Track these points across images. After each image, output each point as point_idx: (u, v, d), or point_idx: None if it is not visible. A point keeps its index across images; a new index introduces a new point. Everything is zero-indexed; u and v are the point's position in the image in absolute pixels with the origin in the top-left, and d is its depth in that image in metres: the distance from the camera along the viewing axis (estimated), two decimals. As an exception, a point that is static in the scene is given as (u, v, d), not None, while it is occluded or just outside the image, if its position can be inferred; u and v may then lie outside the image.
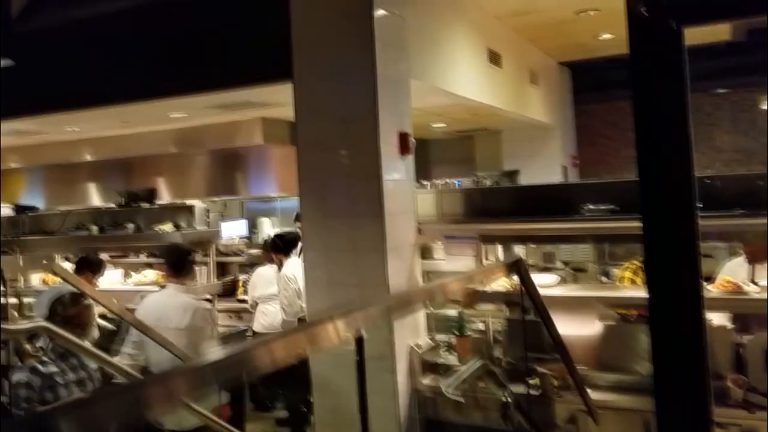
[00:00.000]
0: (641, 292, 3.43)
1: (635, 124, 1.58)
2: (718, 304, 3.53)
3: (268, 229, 8.74)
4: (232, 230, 8.21)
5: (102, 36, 5.83)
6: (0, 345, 3.71)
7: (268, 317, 5.79)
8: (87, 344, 3.37)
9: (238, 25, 5.26)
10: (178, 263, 4.27)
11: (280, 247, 5.67)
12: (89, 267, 5.33)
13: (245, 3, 5.21)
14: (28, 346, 4.60)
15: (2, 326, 2.95)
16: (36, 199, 9.25)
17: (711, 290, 3.52)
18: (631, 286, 4.00)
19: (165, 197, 8.26)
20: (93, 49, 5.88)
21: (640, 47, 1.64)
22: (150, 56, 5.68)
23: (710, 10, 1.61)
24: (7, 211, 7.18)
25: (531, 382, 3.69)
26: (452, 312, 4.36)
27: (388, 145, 3.97)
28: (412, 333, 4.08)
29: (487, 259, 4.34)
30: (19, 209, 7.13)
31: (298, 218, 7.56)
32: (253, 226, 8.84)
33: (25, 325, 3.27)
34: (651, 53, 1.63)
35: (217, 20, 5.39)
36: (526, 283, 2.62)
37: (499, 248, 4.54)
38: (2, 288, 5.23)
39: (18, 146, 8.79)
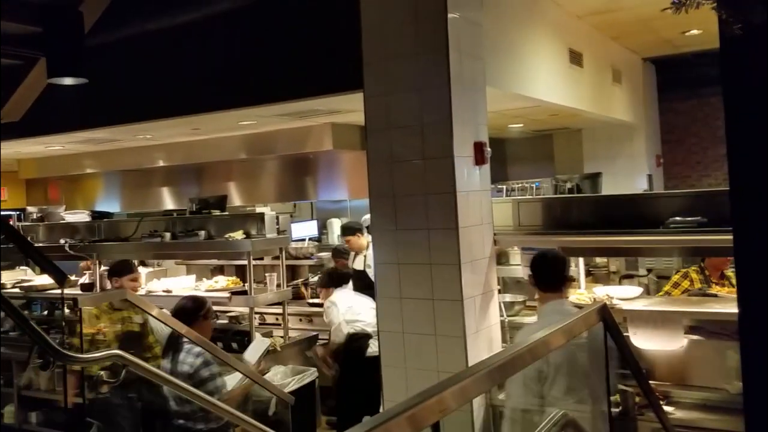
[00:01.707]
0: (731, 308, 3.38)
1: (727, 134, 1.57)
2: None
3: (338, 229, 8.95)
4: (303, 232, 8.43)
5: (173, 48, 6.16)
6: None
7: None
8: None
9: (307, 35, 5.44)
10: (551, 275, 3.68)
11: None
12: (117, 273, 5.53)
13: (315, 13, 5.38)
14: (102, 373, 4.91)
15: (77, 356, 3.16)
16: (112, 204, 9.82)
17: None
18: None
19: (236, 201, 8.60)
20: (164, 62, 6.22)
21: (734, 66, 1.63)
22: (219, 68, 5.96)
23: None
24: (84, 216, 7.62)
25: (611, 399, 3.68)
26: (530, 319, 4.39)
27: (463, 155, 4.02)
28: (486, 343, 4.13)
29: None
30: (95, 215, 7.56)
31: (367, 230, 7.79)
32: (323, 227, 9.06)
33: (98, 354, 3.52)
34: (745, 72, 1.62)
35: (287, 31, 5.58)
36: (612, 331, 2.64)
37: (580, 259, 4.53)
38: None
39: (94, 152, 9.33)
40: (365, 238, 6.82)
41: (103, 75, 6.15)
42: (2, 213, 8.54)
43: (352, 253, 7.09)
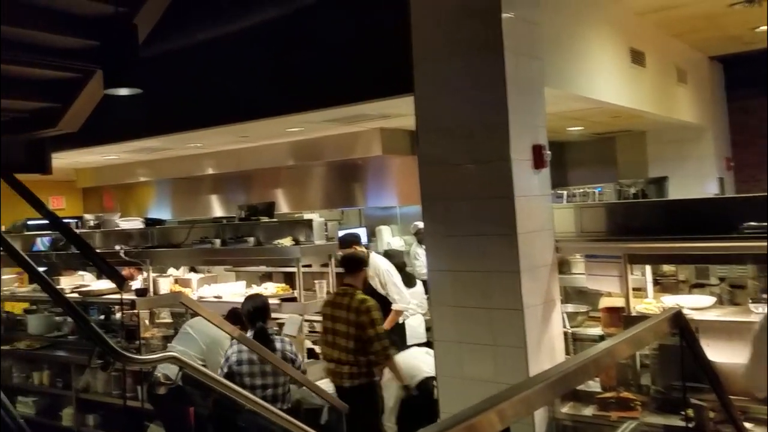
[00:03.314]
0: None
1: None
2: None
3: (388, 237, 8.93)
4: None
5: (221, 57, 6.28)
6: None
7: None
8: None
9: (355, 38, 5.45)
10: None
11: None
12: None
13: (362, 16, 5.38)
14: (159, 375, 5.05)
15: (135, 357, 3.24)
16: (163, 211, 10.08)
17: None
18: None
19: (283, 208, 8.68)
20: (213, 70, 6.36)
21: None
22: (268, 75, 6.04)
23: None
24: (137, 223, 7.85)
25: (684, 413, 3.56)
26: (593, 331, 4.28)
27: (521, 159, 3.95)
28: (548, 354, 4.03)
29: (632, 274, 4.21)
30: (148, 222, 7.78)
31: (418, 237, 7.74)
32: (372, 234, 9.05)
33: (156, 356, 3.61)
34: None
35: (334, 35, 5.61)
36: (688, 340, 2.53)
37: (647, 267, 4.39)
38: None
39: (146, 161, 9.60)
40: (362, 251, 6.67)
41: (154, 85, 6.31)
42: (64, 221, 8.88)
43: None
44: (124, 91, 4.28)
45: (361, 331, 4.85)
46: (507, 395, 1.56)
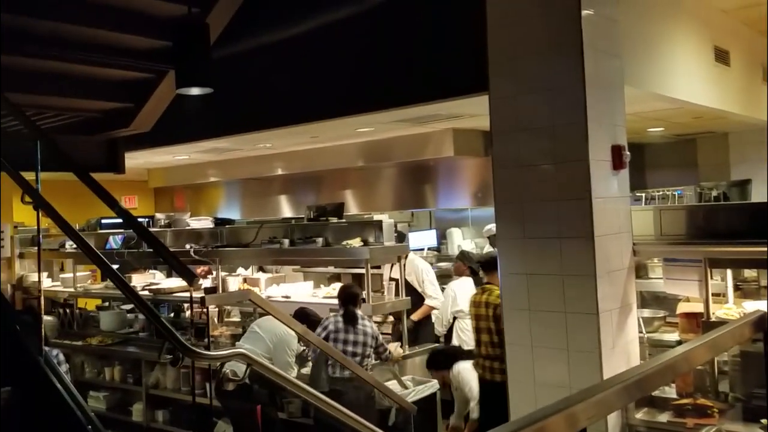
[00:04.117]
0: None
1: None
2: None
3: (459, 239, 8.93)
4: (421, 242, 8.45)
5: (292, 57, 6.41)
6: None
7: (466, 334, 5.96)
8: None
9: (428, 36, 5.47)
10: None
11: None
12: None
13: (437, 13, 5.40)
14: (227, 371, 5.20)
15: (204, 353, 3.33)
16: (233, 211, 10.35)
17: None
18: None
19: (352, 209, 8.78)
20: (284, 71, 6.49)
21: None
22: (339, 74, 6.13)
23: None
24: (207, 223, 8.07)
25: (764, 422, 3.46)
26: (670, 336, 4.19)
27: (599, 160, 3.91)
28: (623, 360, 3.97)
29: (713, 278, 4.11)
30: (218, 222, 7.98)
31: (491, 240, 7.72)
32: (442, 237, 9.05)
33: (224, 352, 3.72)
34: None
35: (407, 33, 5.65)
36: None
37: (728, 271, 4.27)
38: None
39: (216, 161, 9.87)
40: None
41: (225, 85, 6.50)
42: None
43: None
44: (195, 91, 4.40)
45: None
46: (580, 397, 1.57)
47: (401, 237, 7.37)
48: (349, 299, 5.56)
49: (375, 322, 6.57)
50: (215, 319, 7.17)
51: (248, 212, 10.40)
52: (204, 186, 10.99)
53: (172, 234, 7.90)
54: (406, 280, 6.51)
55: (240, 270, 7.80)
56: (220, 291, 6.98)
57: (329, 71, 6.19)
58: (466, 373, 5.54)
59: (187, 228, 7.98)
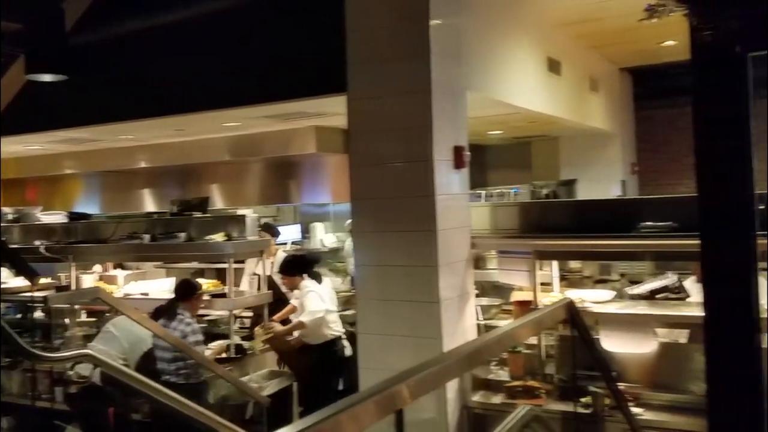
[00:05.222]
0: (697, 311, 3.46)
1: (696, 148, 1.64)
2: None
3: (321, 233, 8.97)
4: (286, 236, 8.41)
5: (158, 47, 6.15)
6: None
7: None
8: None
9: (292, 38, 5.48)
10: None
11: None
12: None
13: (301, 15, 5.42)
14: (71, 373, 4.89)
15: (45, 355, 3.17)
16: (92, 206, 9.72)
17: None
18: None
19: (219, 204, 8.57)
20: (149, 61, 6.21)
21: (704, 72, 1.69)
22: (204, 68, 5.96)
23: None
24: (60, 218, 7.54)
25: (582, 400, 3.77)
26: (505, 323, 4.45)
27: (442, 160, 4.10)
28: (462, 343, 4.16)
29: (541, 269, 4.42)
30: (73, 216, 7.49)
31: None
32: (306, 231, 9.06)
33: (67, 353, 3.51)
34: (715, 79, 1.67)
35: (272, 31, 5.61)
36: (579, 328, 2.71)
37: (554, 263, 4.61)
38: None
39: (73, 152, 9.23)
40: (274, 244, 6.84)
41: (85, 74, 6.12)
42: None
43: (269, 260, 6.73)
44: (47, 77, 4.13)
45: None
46: (413, 372, 1.69)
47: (275, 231, 7.29)
48: (177, 291, 5.25)
49: (237, 317, 6.47)
50: (67, 320, 6.68)
51: (109, 207, 9.83)
52: (60, 178, 10.19)
53: (21, 230, 7.31)
54: (270, 277, 6.41)
55: (96, 267, 7.36)
56: (73, 287, 6.58)
57: (197, 64, 5.99)
58: (312, 295, 5.53)
59: (38, 223, 7.39)
